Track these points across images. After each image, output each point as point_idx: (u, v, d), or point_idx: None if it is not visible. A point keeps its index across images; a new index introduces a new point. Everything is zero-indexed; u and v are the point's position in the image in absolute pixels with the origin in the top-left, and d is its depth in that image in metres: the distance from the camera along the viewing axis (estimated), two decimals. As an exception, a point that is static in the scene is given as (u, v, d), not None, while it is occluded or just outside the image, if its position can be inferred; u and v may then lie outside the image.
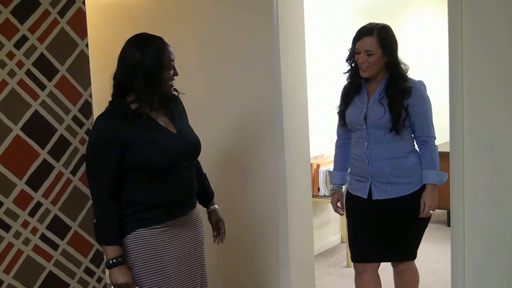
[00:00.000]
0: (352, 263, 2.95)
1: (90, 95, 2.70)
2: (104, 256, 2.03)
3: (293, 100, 3.20)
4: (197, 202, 2.30)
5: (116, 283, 1.96)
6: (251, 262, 3.36)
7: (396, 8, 5.70)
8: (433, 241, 4.76)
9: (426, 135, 2.57)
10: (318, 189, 4.33)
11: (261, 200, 3.27)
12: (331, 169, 2.93)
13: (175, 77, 2.10)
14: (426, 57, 6.14)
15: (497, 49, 2.36)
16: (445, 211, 5.14)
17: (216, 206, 2.32)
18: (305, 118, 3.33)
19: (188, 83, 3.36)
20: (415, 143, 2.64)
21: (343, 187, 2.84)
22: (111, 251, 1.98)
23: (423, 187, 2.57)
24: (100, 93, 3.07)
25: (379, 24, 2.56)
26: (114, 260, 1.97)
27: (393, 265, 2.79)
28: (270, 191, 3.21)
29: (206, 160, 3.31)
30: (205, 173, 2.39)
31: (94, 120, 2.11)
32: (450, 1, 2.47)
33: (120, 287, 1.96)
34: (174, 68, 2.08)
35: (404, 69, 2.59)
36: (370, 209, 2.61)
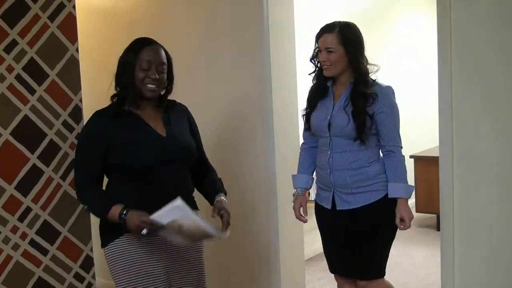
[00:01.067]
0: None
1: (80, 100, 2.70)
2: (114, 220, 2.01)
3: (282, 100, 3.17)
4: (197, 207, 2.28)
5: (138, 225, 1.94)
6: (241, 266, 3.32)
7: (387, 12, 5.78)
8: (422, 246, 4.73)
9: (392, 144, 2.43)
10: (309, 193, 4.38)
11: (250, 204, 3.22)
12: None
13: (153, 80, 2.07)
14: (418, 61, 6.19)
15: (486, 49, 2.36)
16: (435, 215, 5.15)
17: (223, 198, 2.22)
18: (295, 119, 3.28)
19: (177, 83, 3.41)
20: (380, 151, 2.53)
21: (311, 193, 2.69)
22: (115, 211, 1.99)
23: (386, 196, 2.43)
24: (90, 98, 3.08)
25: (342, 21, 2.42)
26: (124, 212, 1.97)
27: (358, 284, 2.57)
28: (260, 194, 3.18)
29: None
30: (219, 178, 2.35)
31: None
32: (439, 6, 2.45)
33: (142, 225, 1.94)
34: (154, 71, 2.07)
35: (368, 71, 2.41)
36: (335, 219, 2.50)
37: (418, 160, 5.14)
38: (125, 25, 3.60)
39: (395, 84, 2.60)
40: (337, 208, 2.46)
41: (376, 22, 5.31)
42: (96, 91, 2.75)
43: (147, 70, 2.05)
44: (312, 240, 4.40)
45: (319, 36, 2.42)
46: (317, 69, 2.51)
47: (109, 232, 2.11)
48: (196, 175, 2.25)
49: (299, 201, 2.63)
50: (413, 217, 2.44)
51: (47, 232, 2.61)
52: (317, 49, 2.46)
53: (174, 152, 2.11)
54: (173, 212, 1.95)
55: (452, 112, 2.45)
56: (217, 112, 3.30)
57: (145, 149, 2.03)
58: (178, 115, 2.23)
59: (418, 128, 5.76)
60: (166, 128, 2.14)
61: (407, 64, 5.99)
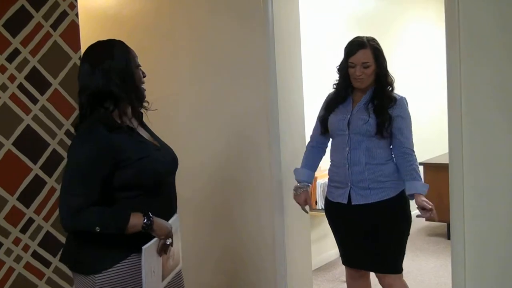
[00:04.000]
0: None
1: None
2: (135, 230, 1.85)
3: (289, 110, 3.20)
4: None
5: (169, 232, 1.91)
6: (247, 277, 3.32)
7: (390, 18, 5.79)
8: (433, 255, 4.69)
9: (408, 146, 2.63)
10: (316, 202, 4.37)
11: (257, 213, 3.25)
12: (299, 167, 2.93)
13: (144, 78, 2.04)
14: (425, 68, 6.20)
15: (495, 58, 2.40)
16: (445, 223, 5.12)
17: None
18: (302, 129, 3.33)
19: (181, 94, 3.39)
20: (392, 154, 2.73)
21: (318, 202, 2.83)
22: (137, 219, 1.85)
23: (399, 194, 2.63)
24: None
25: (367, 36, 2.66)
26: (145, 221, 1.85)
27: (379, 280, 2.74)
28: (267, 203, 3.20)
29: (200, 172, 3.43)
30: None
31: (81, 131, 1.92)
32: (447, 11, 2.50)
33: (169, 236, 1.92)
34: (141, 69, 2.03)
35: (393, 82, 2.68)
36: (350, 214, 2.67)
37: (428, 167, 5.14)
38: (128, 33, 3.58)
39: (402, 91, 2.75)
40: (353, 203, 2.63)
41: (382, 31, 5.33)
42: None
43: (140, 69, 2.00)
44: (319, 249, 4.40)
45: (353, 53, 2.61)
46: (340, 80, 2.70)
47: (111, 252, 1.89)
48: None
49: (304, 195, 2.80)
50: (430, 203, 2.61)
51: (50, 243, 2.61)
52: (344, 64, 2.66)
53: (172, 162, 2.11)
54: (174, 224, 2.01)
55: (461, 118, 2.48)
56: (222, 126, 3.33)
57: (155, 162, 1.96)
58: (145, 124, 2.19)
59: (428, 135, 5.76)
60: (153, 138, 2.10)
61: (414, 72, 6.00)
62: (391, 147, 2.70)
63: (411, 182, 2.62)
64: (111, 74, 1.90)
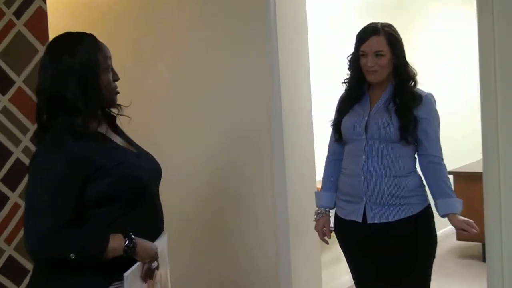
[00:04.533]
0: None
1: None
2: (115, 255, 1.81)
3: (295, 117, 3.15)
4: None
5: (155, 254, 1.88)
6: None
7: (411, 5, 5.66)
8: (465, 280, 4.56)
9: (435, 155, 2.55)
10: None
11: (259, 235, 3.18)
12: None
13: (115, 82, 1.95)
14: (450, 58, 6.13)
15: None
16: (480, 244, 5.01)
17: None
18: (310, 138, 3.25)
19: (164, 95, 3.44)
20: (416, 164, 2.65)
21: (331, 211, 2.74)
22: (115, 245, 1.80)
23: (424, 211, 2.55)
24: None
25: (382, 22, 2.57)
26: (127, 244, 1.80)
27: None
28: (270, 224, 3.12)
29: (188, 184, 3.38)
30: None
31: (46, 143, 1.87)
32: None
33: (154, 259, 1.89)
34: (113, 71, 1.94)
35: (414, 75, 2.58)
36: (365, 235, 2.56)
37: (458, 177, 5.04)
38: (102, 22, 3.51)
39: (427, 89, 2.65)
40: (369, 221, 2.53)
41: (405, 20, 5.27)
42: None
43: (109, 72, 1.92)
44: (332, 275, 4.34)
45: (364, 40, 2.53)
46: (352, 75, 2.61)
47: (89, 281, 1.82)
48: None
49: (322, 221, 2.72)
50: (467, 220, 2.52)
51: (14, 270, 2.52)
52: (356, 55, 2.57)
53: (154, 171, 2.04)
54: (161, 244, 1.95)
55: (497, 118, 2.43)
56: (215, 129, 3.30)
57: (135, 168, 1.91)
58: (119, 128, 2.09)
59: (458, 139, 5.71)
60: (129, 144, 2.03)
61: (441, 68, 5.94)
62: (416, 155, 2.59)
63: (444, 200, 2.52)
64: (68, 75, 1.82)
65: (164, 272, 1.99)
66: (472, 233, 2.49)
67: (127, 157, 1.93)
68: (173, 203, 3.00)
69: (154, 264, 1.88)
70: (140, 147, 2.06)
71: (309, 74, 3.31)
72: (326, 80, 4.05)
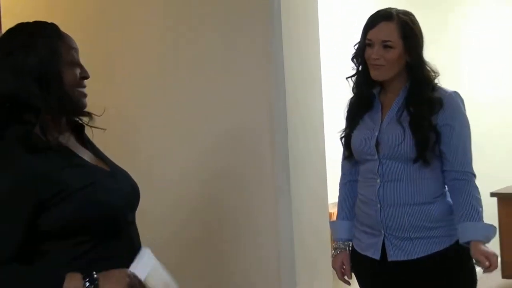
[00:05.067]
0: None
1: None
2: None
3: (303, 127, 3.06)
4: None
5: (132, 285, 1.77)
6: None
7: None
8: None
9: (460, 169, 2.41)
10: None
11: (258, 272, 3.07)
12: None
13: (84, 81, 1.87)
14: (489, 58, 6.04)
15: None
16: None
17: None
18: (322, 151, 3.15)
19: (145, 102, 3.41)
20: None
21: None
22: (73, 283, 1.71)
23: (455, 245, 2.41)
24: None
25: (400, 9, 2.43)
26: (87, 286, 1.72)
27: None
28: (272, 259, 3.00)
29: (173, 212, 3.33)
30: None
31: None
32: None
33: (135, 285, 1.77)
34: (80, 66, 1.85)
35: (432, 74, 2.44)
36: (385, 275, 2.46)
37: (503, 199, 4.97)
38: (69, 10, 3.50)
39: (461, 93, 2.53)
40: (389, 259, 2.43)
41: (436, 10, 5.24)
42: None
43: (76, 68, 1.84)
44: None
45: (371, 26, 2.40)
46: (357, 72, 2.52)
47: None
48: None
49: (341, 258, 2.62)
50: (493, 253, 2.34)
51: None
52: (366, 43, 2.42)
53: (131, 193, 1.94)
54: (146, 264, 1.83)
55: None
56: (205, 144, 3.20)
57: (106, 192, 1.82)
58: (88, 139, 2.00)
59: (502, 154, 5.60)
60: (100, 160, 1.95)
61: (483, 71, 5.86)
62: (443, 173, 2.44)
63: (465, 223, 2.37)
64: (24, 73, 1.76)
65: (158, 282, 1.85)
66: (486, 268, 2.32)
67: (97, 177, 1.83)
68: (155, 218, 3.05)
69: None
70: (114, 163, 1.97)
71: (320, 72, 3.22)
72: (339, 77, 3.99)
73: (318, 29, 3.19)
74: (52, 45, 1.79)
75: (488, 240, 2.36)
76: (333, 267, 2.65)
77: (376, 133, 2.43)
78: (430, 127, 2.35)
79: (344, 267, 2.62)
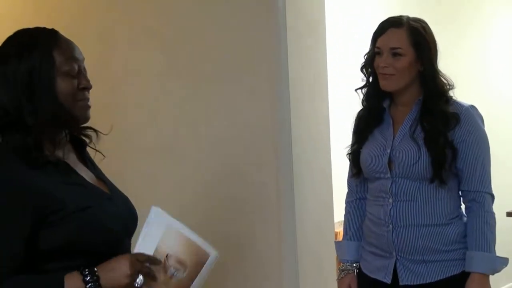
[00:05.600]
0: None
1: None
2: None
3: (308, 137, 3.01)
4: None
5: (132, 271, 1.75)
6: None
7: (476, 11, 5.55)
8: None
9: (476, 190, 2.36)
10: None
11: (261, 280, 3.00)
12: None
13: (86, 92, 1.81)
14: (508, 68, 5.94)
15: None
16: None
17: None
18: (328, 164, 3.09)
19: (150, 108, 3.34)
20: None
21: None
22: (73, 280, 1.72)
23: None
24: None
25: (411, 16, 2.39)
26: (88, 279, 1.71)
27: None
28: (274, 277, 2.95)
29: (190, 214, 3.04)
30: None
31: None
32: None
33: (138, 269, 1.76)
34: (80, 76, 1.78)
35: (447, 86, 2.38)
36: None
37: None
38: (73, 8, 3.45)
39: (479, 107, 2.46)
40: (401, 283, 2.37)
41: (452, 20, 5.17)
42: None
43: (76, 77, 1.78)
44: None
45: (380, 33, 2.35)
46: (367, 83, 2.45)
47: None
48: None
49: (348, 281, 2.55)
50: None
51: None
52: (371, 53, 2.37)
53: (129, 219, 1.91)
54: (154, 232, 1.78)
55: None
56: (202, 160, 3.17)
57: (104, 216, 1.80)
58: (88, 156, 1.97)
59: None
60: (100, 179, 1.91)
61: (498, 80, 5.80)
62: (460, 192, 2.39)
63: (471, 252, 2.33)
64: (14, 83, 1.72)
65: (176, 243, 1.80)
66: None
67: (96, 199, 1.81)
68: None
69: (140, 279, 1.72)
70: (114, 186, 1.93)
71: (326, 83, 3.17)
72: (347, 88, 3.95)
73: (325, 35, 3.19)
74: (45, 54, 1.75)
75: (493, 273, 2.34)
76: None
77: (388, 150, 2.38)
78: (446, 144, 2.30)
79: None
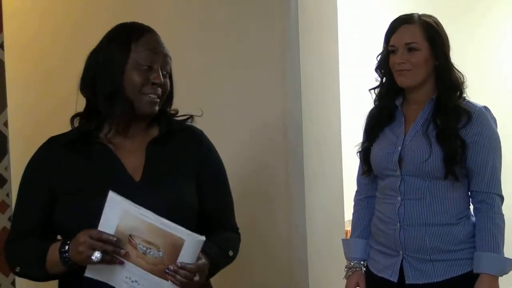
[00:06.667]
0: None
1: (6, 123, 2.60)
2: (57, 267, 1.80)
3: (319, 134, 3.01)
4: None
5: (83, 247, 1.74)
6: None
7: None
8: None
9: (486, 191, 2.34)
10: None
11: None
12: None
13: (157, 87, 1.85)
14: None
15: None
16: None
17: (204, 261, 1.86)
18: (339, 163, 3.11)
19: None
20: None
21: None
22: (52, 256, 1.79)
23: None
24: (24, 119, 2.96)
25: (421, 13, 2.40)
26: (64, 250, 1.76)
27: None
28: (285, 273, 2.95)
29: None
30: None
31: None
32: None
33: (89, 244, 1.74)
34: (156, 72, 1.83)
35: (461, 79, 2.38)
36: None
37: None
38: (77, 6, 3.38)
39: (490, 106, 2.46)
40: (407, 282, 2.35)
41: (464, 17, 5.15)
42: (32, 107, 2.64)
43: (148, 71, 1.83)
44: None
45: (392, 31, 2.34)
46: (381, 83, 2.44)
47: None
48: None
49: (355, 279, 2.53)
50: None
51: None
52: (385, 53, 2.36)
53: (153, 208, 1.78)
54: (113, 214, 1.75)
55: None
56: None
57: (85, 206, 1.81)
58: (180, 147, 1.98)
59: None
60: (145, 167, 1.90)
61: (504, 75, 5.81)
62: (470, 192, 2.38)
63: (480, 254, 2.32)
64: (95, 71, 1.84)
65: (143, 227, 1.74)
66: None
67: (90, 185, 1.83)
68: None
69: (96, 256, 1.70)
70: (161, 176, 1.91)
71: (338, 84, 3.17)
72: (359, 84, 3.82)
73: (337, 35, 3.18)
74: (122, 45, 1.84)
75: (501, 274, 2.33)
76: None
77: (399, 148, 2.36)
78: (457, 139, 2.28)
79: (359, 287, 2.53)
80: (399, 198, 2.37)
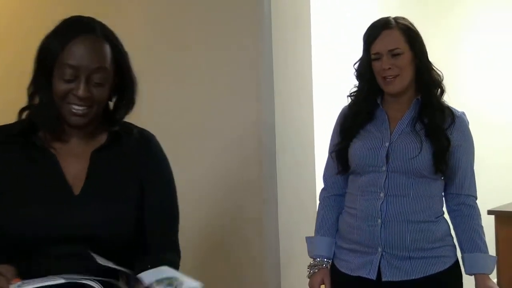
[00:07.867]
0: None
1: None
2: None
3: (293, 137, 3.00)
4: None
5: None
6: None
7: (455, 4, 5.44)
8: None
9: (468, 193, 2.41)
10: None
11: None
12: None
13: (80, 99, 1.69)
14: (497, 73, 5.83)
15: None
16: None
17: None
18: (312, 164, 3.08)
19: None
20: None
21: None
22: None
23: (454, 266, 2.40)
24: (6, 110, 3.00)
25: (394, 16, 2.42)
26: None
27: None
28: (258, 266, 2.93)
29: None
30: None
31: None
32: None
33: None
34: (82, 84, 1.68)
35: (440, 76, 2.42)
36: None
37: (501, 217, 4.83)
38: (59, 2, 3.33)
39: (465, 105, 2.59)
40: (384, 279, 2.34)
41: (430, 17, 5.09)
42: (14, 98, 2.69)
43: (71, 81, 1.68)
44: None
45: (374, 37, 2.36)
46: (362, 88, 2.45)
47: None
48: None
49: (320, 276, 2.49)
50: None
51: None
52: (366, 60, 2.38)
53: (83, 225, 1.72)
54: None
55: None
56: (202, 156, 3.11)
57: (26, 217, 1.69)
58: (126, 154, 1.83)
59: (500, 170, 5.53)
60: (87, 177, 1.76)
61: (481, 78, 5.73)
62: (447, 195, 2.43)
63: (473, 254, 2.35)
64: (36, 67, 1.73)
65: None
66: None
67: (28, 194, 1.72)
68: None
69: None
70: (106, 189, 1.79)
71: (311, 86, 3.16)
72: (332, 90, 3.92)
73: (310, 32, 3.18)
74: (56, 43, 1.72)
75: (491, 272, 2.38)
76: (311, 286, 2.52)
77: (387, 144, 2.37)
78: (446, 137, 2.34)
79: (324, 286, 2.50)
80: (381, 194, 2.37)
